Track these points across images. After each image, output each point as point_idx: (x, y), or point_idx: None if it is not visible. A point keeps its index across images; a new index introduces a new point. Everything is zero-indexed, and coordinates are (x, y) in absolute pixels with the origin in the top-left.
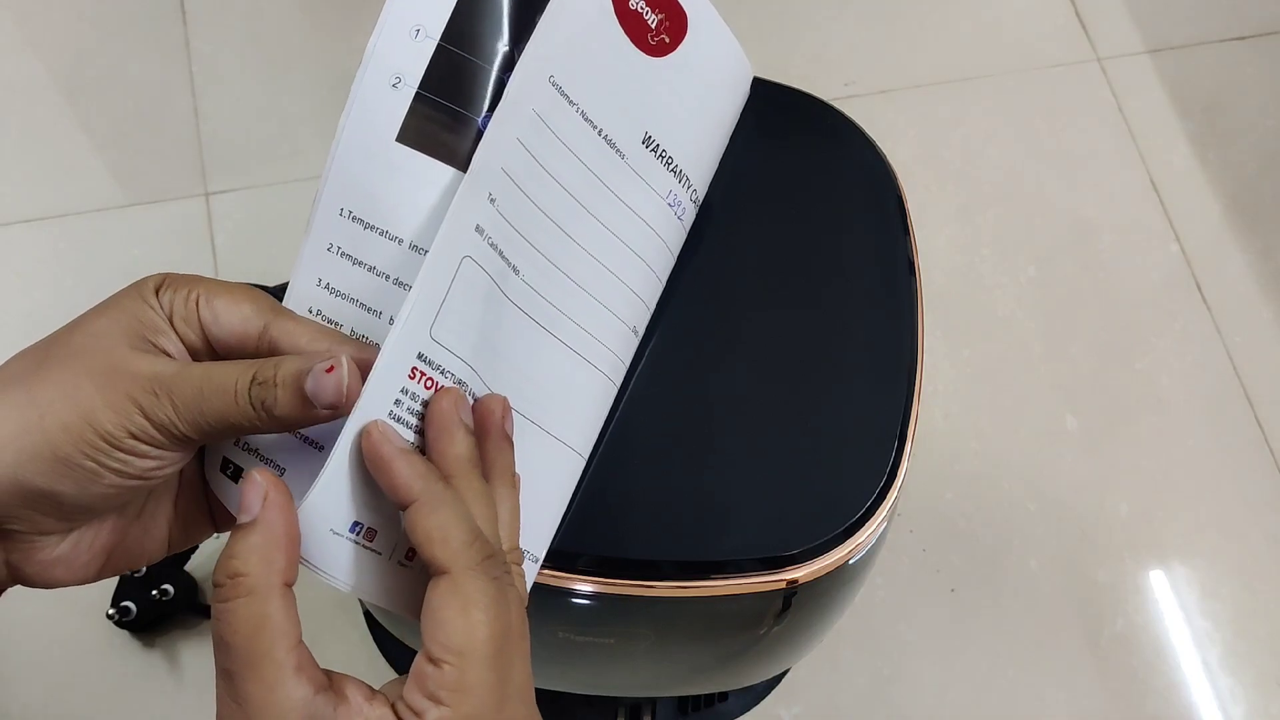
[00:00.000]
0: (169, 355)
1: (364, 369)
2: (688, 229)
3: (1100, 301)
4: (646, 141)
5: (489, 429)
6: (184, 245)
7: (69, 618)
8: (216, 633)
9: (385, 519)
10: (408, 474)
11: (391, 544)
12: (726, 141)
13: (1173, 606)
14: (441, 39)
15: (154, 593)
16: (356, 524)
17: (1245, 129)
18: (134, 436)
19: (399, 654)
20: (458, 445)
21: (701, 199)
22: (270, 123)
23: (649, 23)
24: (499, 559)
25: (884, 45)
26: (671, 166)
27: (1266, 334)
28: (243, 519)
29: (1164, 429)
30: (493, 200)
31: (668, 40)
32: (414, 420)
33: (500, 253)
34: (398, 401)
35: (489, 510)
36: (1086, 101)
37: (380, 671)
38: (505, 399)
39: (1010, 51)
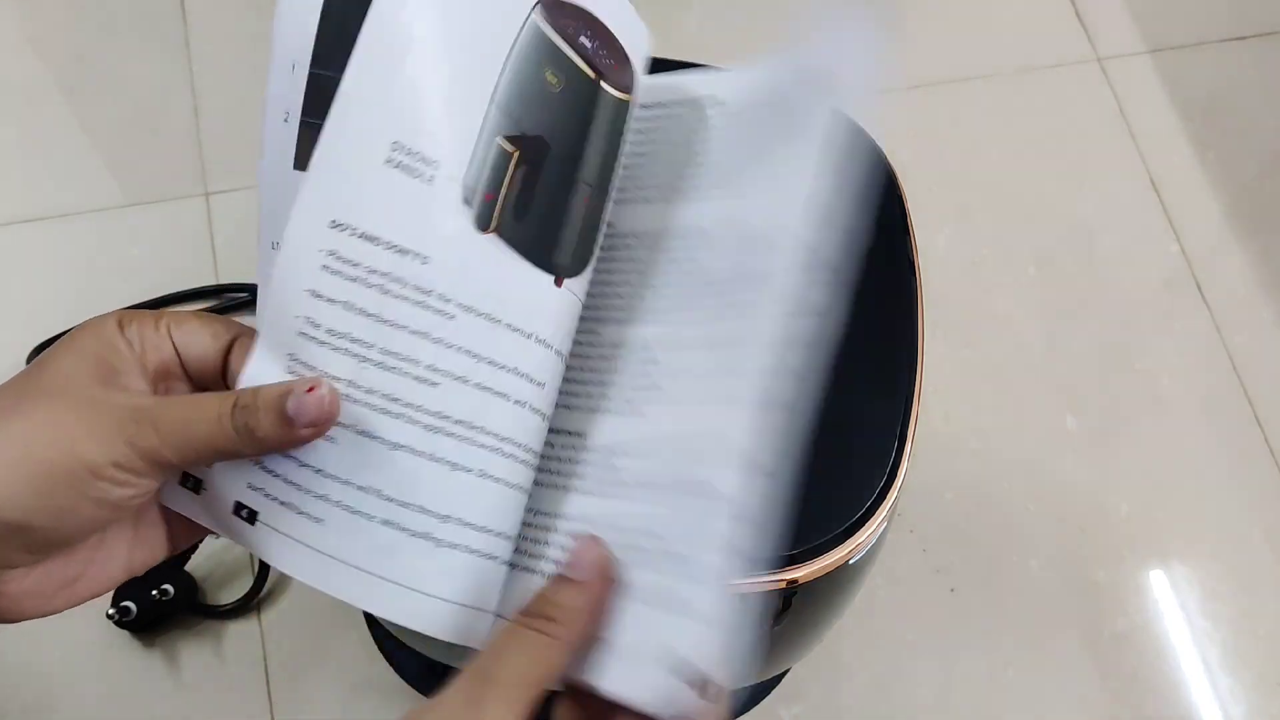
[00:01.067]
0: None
1: None
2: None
3: (1100, 301)
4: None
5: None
6: (184, 245)
7: (69, 618)
8: (504, 642)
9: None
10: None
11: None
12: None
13: (1173, 606)
14: (311, 66)
15: (154, 593)
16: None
17: (1245, 129)
18: (117, 465)
19: (403, 658)
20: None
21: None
22: None
23: None
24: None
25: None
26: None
27: (1266, 334)
28: (573, 575)
29: (1164, 429)
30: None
31: None
32: None
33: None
34: None
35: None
36: (1086, 101)
37: (379, 673)
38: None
39: (1010, 51)
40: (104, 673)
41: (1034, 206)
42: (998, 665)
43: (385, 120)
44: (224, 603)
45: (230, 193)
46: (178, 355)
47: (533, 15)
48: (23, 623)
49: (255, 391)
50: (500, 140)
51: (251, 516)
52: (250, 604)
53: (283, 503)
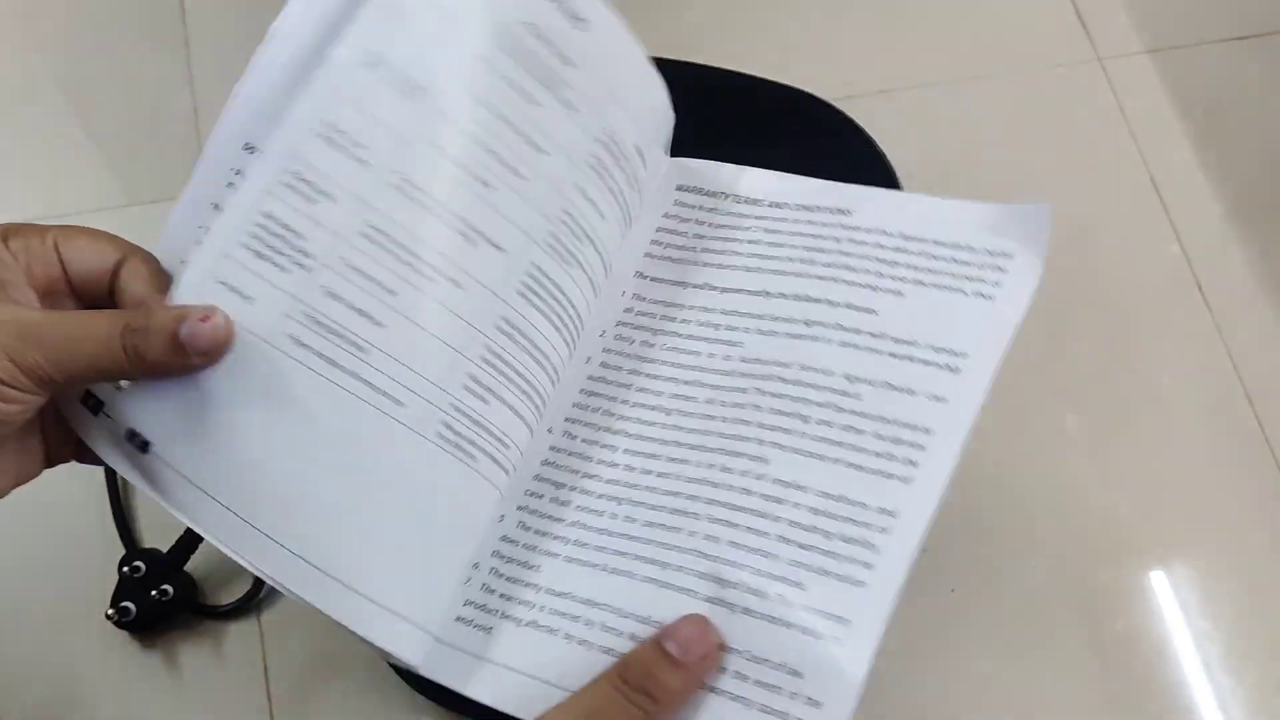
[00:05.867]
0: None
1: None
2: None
3: (1100, 301)
4: None
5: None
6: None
7: (68, 618)
8: (603, 706)
9: None
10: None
11: None
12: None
13: (1173, 606)
14: None
15: (154, 593)
16: None
17: (1245, 129)
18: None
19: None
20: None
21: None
22: None
23: None
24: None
25: (884, 45)
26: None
27: (1266, 334)
28: (681, 656)
29: (1164, 429)
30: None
31: None
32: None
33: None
34: None
35: None
36: (1086, 101)
37: (379, 673)
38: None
39: (1010, 51)
40: (103, 673)
41: None
42: (998, 665)
43: None
44: (224, 603)
45: None
46: (65, 271)
47: None
48: (21, 624)
49: (149, 313)
50: None
51: (144, 446)
52: (250, 604)
53: (185, 433)
